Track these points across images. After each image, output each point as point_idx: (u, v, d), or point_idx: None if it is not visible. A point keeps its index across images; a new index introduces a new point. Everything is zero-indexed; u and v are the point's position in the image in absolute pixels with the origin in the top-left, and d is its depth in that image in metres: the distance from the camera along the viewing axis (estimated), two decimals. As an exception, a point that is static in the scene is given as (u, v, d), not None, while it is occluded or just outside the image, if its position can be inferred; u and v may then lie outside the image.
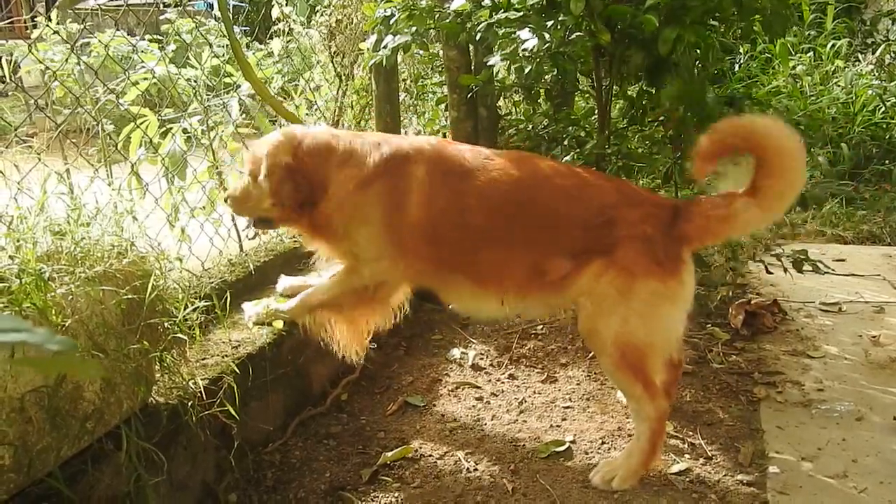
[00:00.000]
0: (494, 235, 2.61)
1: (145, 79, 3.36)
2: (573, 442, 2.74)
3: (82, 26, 2.92)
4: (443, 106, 4.35)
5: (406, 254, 2.66)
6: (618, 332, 2.47)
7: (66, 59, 3.07)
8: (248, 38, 6.40)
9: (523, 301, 2.70)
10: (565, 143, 3.60)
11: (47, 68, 2.87)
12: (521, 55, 3.07)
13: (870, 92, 6.34)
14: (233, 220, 3.42)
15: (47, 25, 3.13)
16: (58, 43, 3.51)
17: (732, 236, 2.60)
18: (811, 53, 7.06)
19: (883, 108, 6.28)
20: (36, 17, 3.78)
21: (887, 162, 6.04)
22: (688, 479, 2.50)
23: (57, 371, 1.60)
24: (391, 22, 3.37)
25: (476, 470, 2.60)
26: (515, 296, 2.66)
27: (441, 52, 4.06)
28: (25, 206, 2.07)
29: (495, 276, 2.64)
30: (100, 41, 3.19)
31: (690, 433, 2.76)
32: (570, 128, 3.73)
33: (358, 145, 2.70)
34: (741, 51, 6.23)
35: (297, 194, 2.66)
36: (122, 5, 2.94)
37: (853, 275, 4.36)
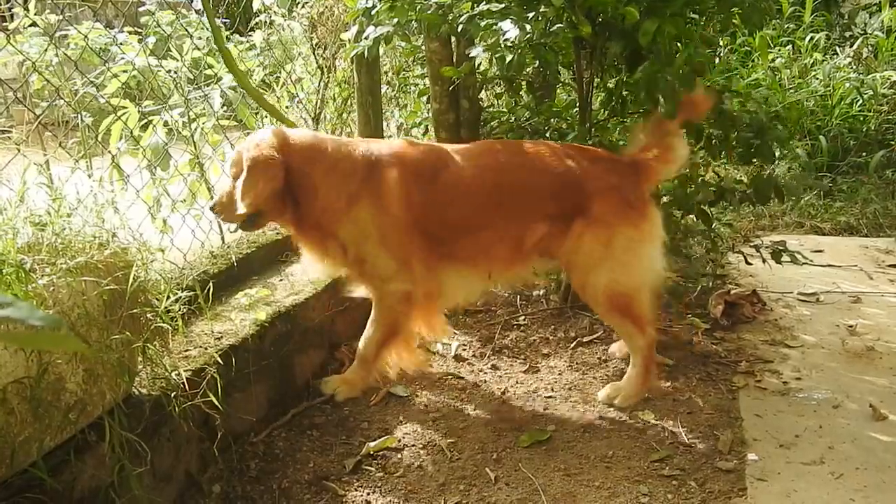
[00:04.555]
0: (474, 222, 2.82)
1: (125, 71, 3.33)
2: (555, 431, 2.76)
3: (61, 17, 2.89)
4: (425, 98, 4.34)
5: (409, 255, 2.81)
6: (606, 284, 2.79)
7: (45, 51, 3.04)
8: (229, 30, 6.33)
9: (510, 272, 2.99)
10: (547, 134, 3.62)
11: (26, 59, 2.84)
12: (502, 46, 3.08)
13: (847, 85, 6.39)
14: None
15: (26, 16, 3.10)
16: (35, 35, 3.47)
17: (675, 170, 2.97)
18: (790, 46, 7.10)
19: (860, 101, 6.33)
20: (13, 7, 3.73)
21: (864, 154, 6.10)
22: (668, 467, 2.53)
23: (39, 346, 1.59)
24: (372, 13, 3.36)
25: (459, 459, 2.62)
26: (505, 268, 2.95)
27: (423, 44, 4.05)
28: (5, 197, 2.05)
29: (485, 256, 2.88)
30: (78, 31, 3.16)
31: (670, 421, 2.79)
32: (552, 120, 3.74)
33: (343, 152, 2.78)
34: (721, 44, 6.26)
35: (279, 187, 2.69)
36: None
37: (831, 265, 4.42)
